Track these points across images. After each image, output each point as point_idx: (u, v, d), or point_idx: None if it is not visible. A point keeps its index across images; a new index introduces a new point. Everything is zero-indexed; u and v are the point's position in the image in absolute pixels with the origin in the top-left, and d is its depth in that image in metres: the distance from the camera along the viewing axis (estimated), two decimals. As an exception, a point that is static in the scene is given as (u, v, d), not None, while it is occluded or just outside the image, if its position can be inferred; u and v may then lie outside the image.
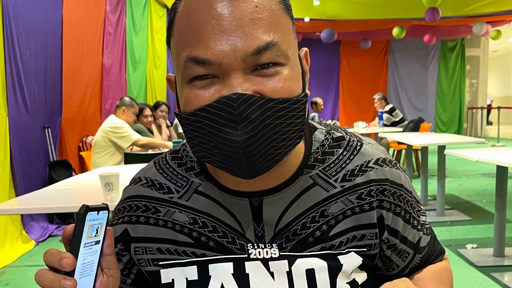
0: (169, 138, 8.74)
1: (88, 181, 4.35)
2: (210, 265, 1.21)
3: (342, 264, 1.20)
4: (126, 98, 7.12)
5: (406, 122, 11.37)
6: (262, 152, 1.01)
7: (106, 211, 1.01)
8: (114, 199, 3.01)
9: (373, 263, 1.27)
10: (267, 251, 1.20)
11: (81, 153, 7.79)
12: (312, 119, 10.86)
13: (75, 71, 7.97)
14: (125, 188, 1.35)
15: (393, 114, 11.22)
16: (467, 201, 7.98)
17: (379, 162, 1.25)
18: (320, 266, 1.19)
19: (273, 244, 1.20)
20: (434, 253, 1.39)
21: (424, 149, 7.57)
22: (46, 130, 7.04)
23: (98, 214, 0.99)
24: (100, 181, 3.08)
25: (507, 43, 24.25)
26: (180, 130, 8.60)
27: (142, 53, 11.42)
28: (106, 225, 1.03)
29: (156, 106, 8.91)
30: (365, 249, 1.23)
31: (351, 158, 1.24)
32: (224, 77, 1.01)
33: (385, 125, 11.10)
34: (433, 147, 7.30)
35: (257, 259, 1.20)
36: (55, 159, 7.20)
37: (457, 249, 5.50)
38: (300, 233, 1.20)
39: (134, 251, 1.27)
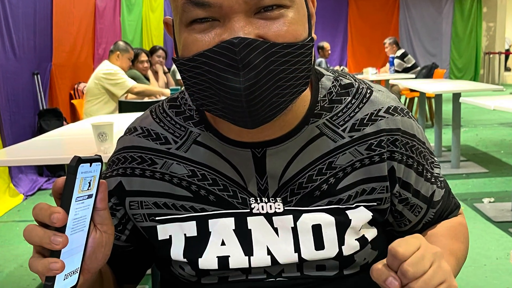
0: (166, 85, 8.72)
1: (80, 131, 4.35)
2: (210, 221, 1.21)
3: (350, 220, 1.20)
4: (121, 43, 7.08)
5: (418, 68, 11.34)
6: (265, 100, 1.00)
7: (99, 163, 1.00)
8: (107, 150, 3.01)
9: (383, 219, 1.27)
10: (270, 206, 1.20)
11: (72, 101, 7.79)
12: (319, 65, 10.82)
13: (66, 13, 7.91)
14: (119, 138, 1.34)
15: (405, 59, 11.19)
16: (483, 152, 8.00)
17: (390, 111, 1.24)
18: (327, 221, 1.19)
19: (277, 198, 1.20)
20: (448, 208, 1.38)
21: (438, 97, 7.55)
22: (35, 76, 7.02)
23: (90, 166, 0.98)
24: (93, 131, 3.07)
25: (528, -17, 24.03)
26: (178, 76, 8.57)
27: (137, -6, 11.35)
28: (99, 178, 1.01)
29: (152, 51, 8.88)
30: (375, 204, 1.23)
31: (360, 106, 1.23)
32: (225, 20, 0.99)
33: (397, 71, 11.08)
34: (448, 94, 7.26)
35: (260, 214, 1.20)
36: (44, 107, 7.19)
37: (473, 204, 5.52)
38: (306, 186, 1.19)
39: (129, 206, 1.27)
